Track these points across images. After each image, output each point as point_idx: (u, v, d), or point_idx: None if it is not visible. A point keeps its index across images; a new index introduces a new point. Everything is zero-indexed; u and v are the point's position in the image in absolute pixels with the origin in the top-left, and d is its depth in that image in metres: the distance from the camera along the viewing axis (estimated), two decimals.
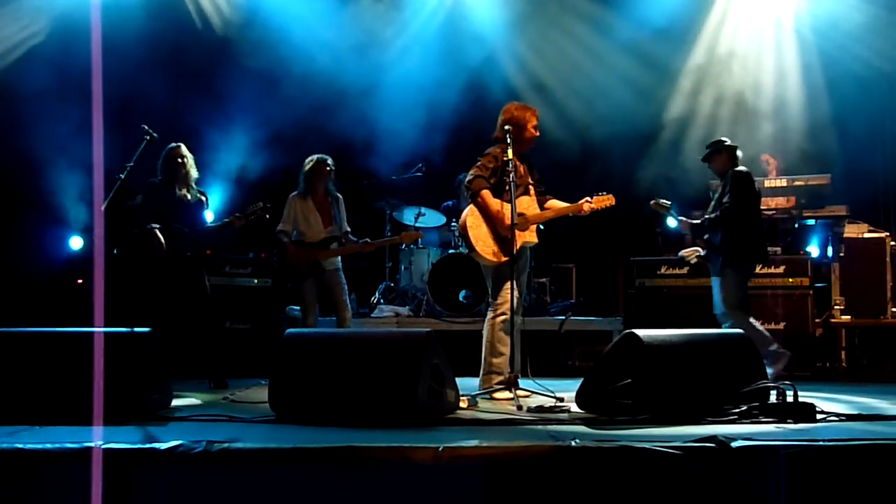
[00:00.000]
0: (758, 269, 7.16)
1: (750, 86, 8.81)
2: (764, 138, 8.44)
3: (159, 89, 8.35)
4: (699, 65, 9.01)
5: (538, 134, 5.91)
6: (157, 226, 6.25)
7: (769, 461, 3.39)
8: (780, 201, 7.92)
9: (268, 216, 6.54)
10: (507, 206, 5.57)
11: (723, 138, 6.70)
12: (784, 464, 3.38)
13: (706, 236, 6.55)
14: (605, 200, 5.84)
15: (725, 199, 6.35)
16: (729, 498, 3.38)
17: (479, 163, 5.82)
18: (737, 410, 4.40)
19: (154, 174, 6.42)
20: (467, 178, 5.85)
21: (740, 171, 6.43)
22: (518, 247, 5.57)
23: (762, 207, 7.68)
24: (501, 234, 5.69)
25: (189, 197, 6.45)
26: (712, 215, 6.47)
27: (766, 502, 3.36)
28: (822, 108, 8.54)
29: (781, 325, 7.16)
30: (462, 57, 9.05)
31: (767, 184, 7.83)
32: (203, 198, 6.57)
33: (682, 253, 7.38)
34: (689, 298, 7.53)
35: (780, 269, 7.34)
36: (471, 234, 5.77)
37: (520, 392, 5.27)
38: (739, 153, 6.57)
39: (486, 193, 5.74)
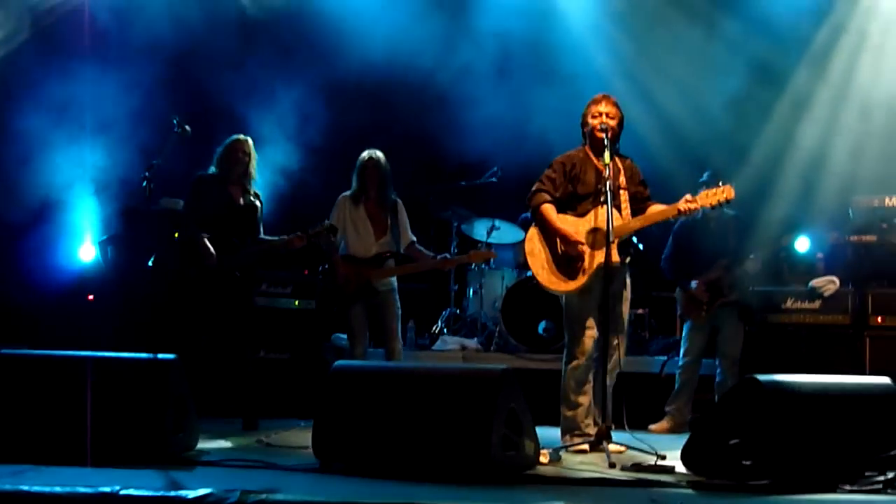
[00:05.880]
0: None
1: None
2: None
3: (196, 74, 8.52)
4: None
5: (607, 122, 5.66)
6: (207, 235, 6.34)
7: None
8: None
9: (333, 237, 6.54)
10: (573, 221, 5.65)
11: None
12: None
13: None
14: (717, 194, 5.55)
15: None
16: None
17: (542, 175, 5.83)
18: (881, 478, 4.32)
19: (187, 172, 6.53)
20: (529, 194, 5.86)
21: None
22: (593, 269, 5.51)
23: None
24: (568, 253, 5.65)
25: (243, 201, 6.51)
26: None
27: None
28: None
29: None
30: (550, 50, 9.07)
31: None
32: (258, 203, 6.61)
33: (814, 283, 7.28)
34: (820, 339, 7.38)
35: None
36: (531, 262, 5.79)
37: (613, 447, 5.23)
38: None
39: (546, 208, 5.72)
